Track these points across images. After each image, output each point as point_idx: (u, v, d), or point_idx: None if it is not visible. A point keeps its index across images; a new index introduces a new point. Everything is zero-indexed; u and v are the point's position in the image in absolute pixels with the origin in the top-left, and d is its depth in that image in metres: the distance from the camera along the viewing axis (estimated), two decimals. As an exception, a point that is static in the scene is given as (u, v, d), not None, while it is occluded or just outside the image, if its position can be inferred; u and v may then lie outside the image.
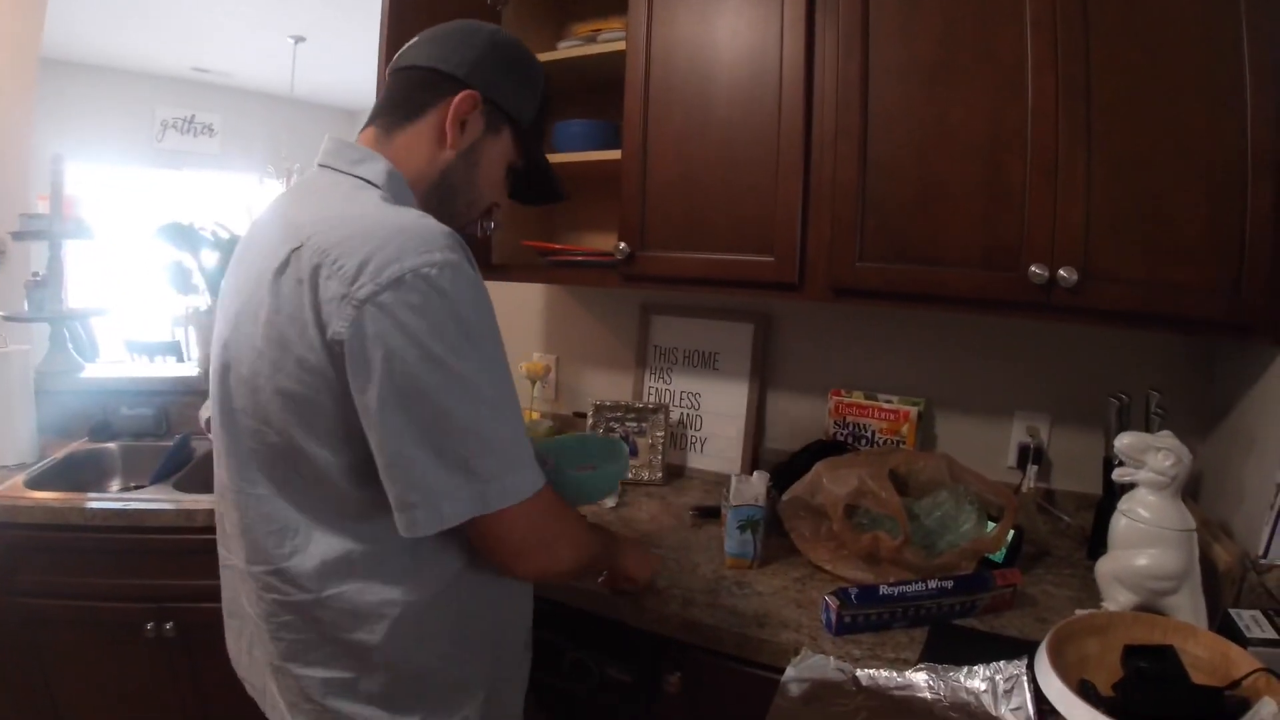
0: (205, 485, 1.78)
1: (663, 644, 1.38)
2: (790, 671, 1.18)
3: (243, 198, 5.23)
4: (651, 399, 2.17)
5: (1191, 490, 1.62)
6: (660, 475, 2.06)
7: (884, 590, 1.32)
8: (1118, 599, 1.29)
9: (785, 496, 1.59)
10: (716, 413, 2.12)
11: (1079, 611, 1.32)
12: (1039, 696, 1.05)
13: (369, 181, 0.99)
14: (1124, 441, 1.29)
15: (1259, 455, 1.39)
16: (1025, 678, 1.09)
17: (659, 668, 1.38)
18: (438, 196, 1.06)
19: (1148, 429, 1.45)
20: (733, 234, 1.63)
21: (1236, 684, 1.01)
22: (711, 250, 1.66)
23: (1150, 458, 1.28)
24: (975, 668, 1.13)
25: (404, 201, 1.00)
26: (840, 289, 1.55)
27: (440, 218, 0.93)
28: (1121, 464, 1.31)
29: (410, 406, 0.84)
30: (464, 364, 0.85)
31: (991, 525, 1.48)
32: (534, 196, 1.24)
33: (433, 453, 0.86)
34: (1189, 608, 1.24)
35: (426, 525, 0.88)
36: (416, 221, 0.89)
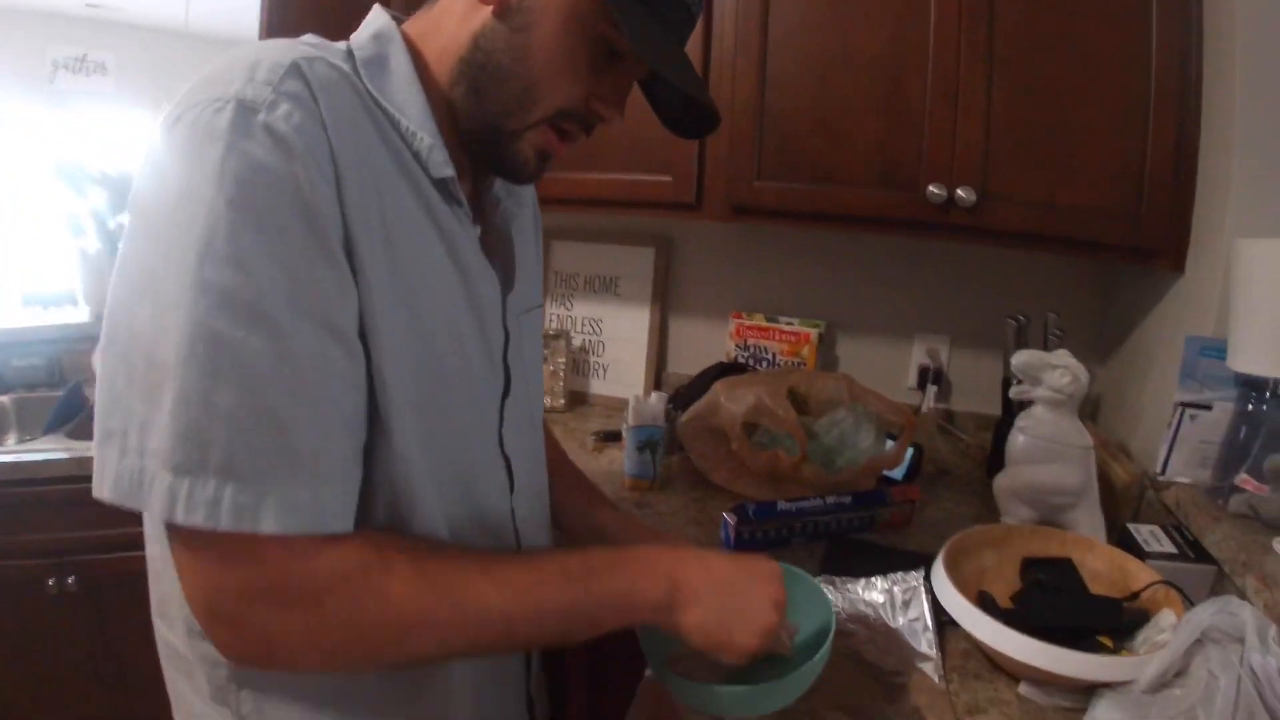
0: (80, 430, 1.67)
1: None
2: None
3: (138, 136, 4.84)
4: (552, 326, 2.06)
5: (1090, 413, 1.61)
6: (563, 402, 1.98)
7: (782, 506, 1.25)
8: (1017, 514, 1.26)
9: (684, 417, 1.50)
10: (618, 338, 2.03)
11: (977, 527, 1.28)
12: (936, 607, 0.99)
13: (348, 50, 0.67)
14: (1021, 359, 1.25)
15: (1157, 378, 1.38)
16: (923, 589, 1.04)
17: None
18: (469, 81, 0.68)
19: (1045, 350, 1.42)
20: (631, 153, 1.55)
21: (1135, 596, 0.98)
22: (609, 170, 1.58)
23: (1047, 375, 1.24)
24: (873, 580, 1.06)
25: (377, 73, 0.66)
26: (739, 207, 1.51)
27: (480, 120, 0.68)
28: (1019, 382, 1.27)
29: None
30: (183, 257, 0.50)
31: (890, 443, 1.44)
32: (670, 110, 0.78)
33: (117, 377, 0.53)
34: (1087, 523, 1.21)
35: (100, 483, 0.54)
36: (262, 46, 0.57)
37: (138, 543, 0.69)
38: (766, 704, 0.74)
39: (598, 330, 2.05)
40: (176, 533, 0.52)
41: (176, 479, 0.49)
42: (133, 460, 0.51)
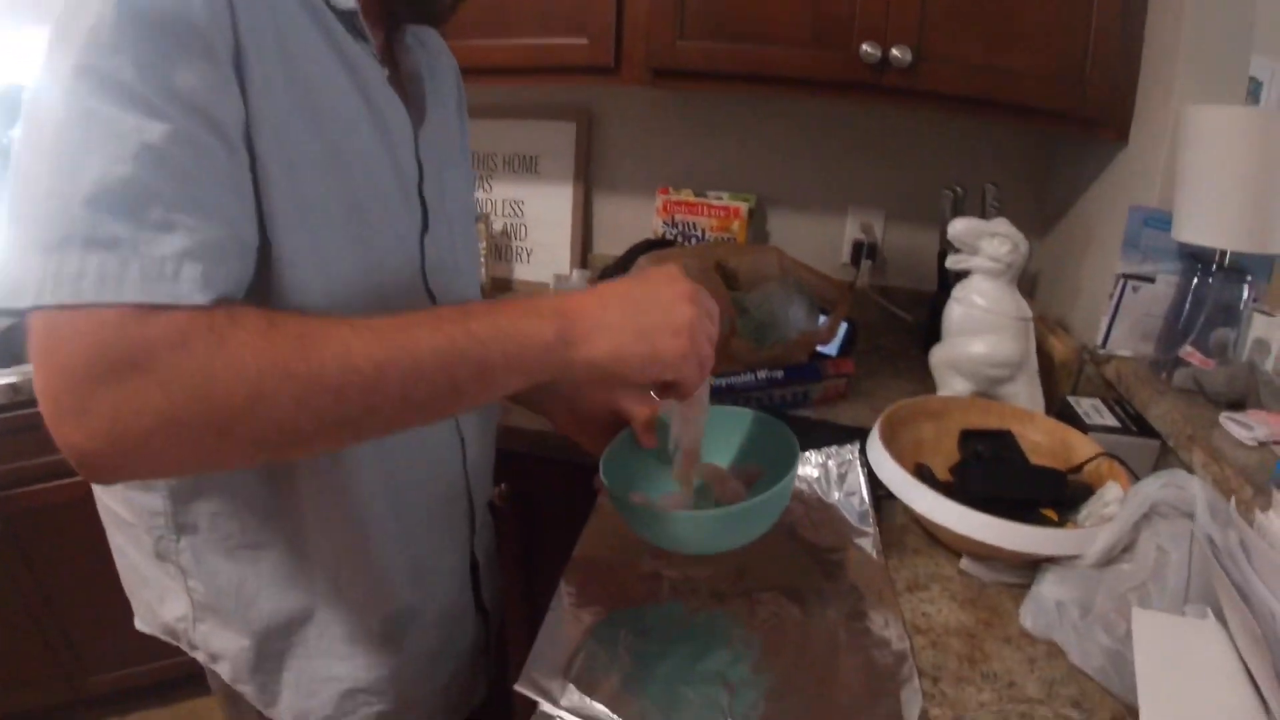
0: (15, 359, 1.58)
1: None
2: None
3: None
4: (470, 209, 1.88)
5: (1028, 289, 1.56)
6: (486, 289, 1.82)
7: (711, 383, 1.16)
8: (954, 386, 1.20)
9: (607, 289, 1.38)
10: (541, 220, 1.88)
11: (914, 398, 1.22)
12: (873, 481, 0.92)
13: None
14: (959, 227, 1.17)
15: (1098, 252, 1.32)
16: (858, 462, 0.97)
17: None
18: None
19: (985, 220, 1.35)
20: (542, 15, 1.40)
21: (1078, 469, 0.93)
22: (519, 35, 1.42)
23: (985, 244, 1.16)
24: (808, 454, 0.99)
25: None
26: (660, 70, 1.37)
27: None
28: (957, 251, 1.19)
29: None
30: (67, 50, 0.48)
31: (823, 319, 1.36)
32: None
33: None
34: (1026, 396, 1.16)
35: None
36: None
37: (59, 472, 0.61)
38: (729, 534, 0.70)
39: (519, 213, 1.89)
40: (34, 327, 0.47)
41: (46, 258, 0.46)
42: (13, 255, 0.47)
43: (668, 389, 0.65)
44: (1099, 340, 1.16)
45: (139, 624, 0.81)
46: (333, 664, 0.76)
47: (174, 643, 0.78)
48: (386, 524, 0.74)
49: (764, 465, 0.81)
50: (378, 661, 0.77)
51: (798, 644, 0.74)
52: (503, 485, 1.22)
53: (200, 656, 0.77)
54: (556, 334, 0.57)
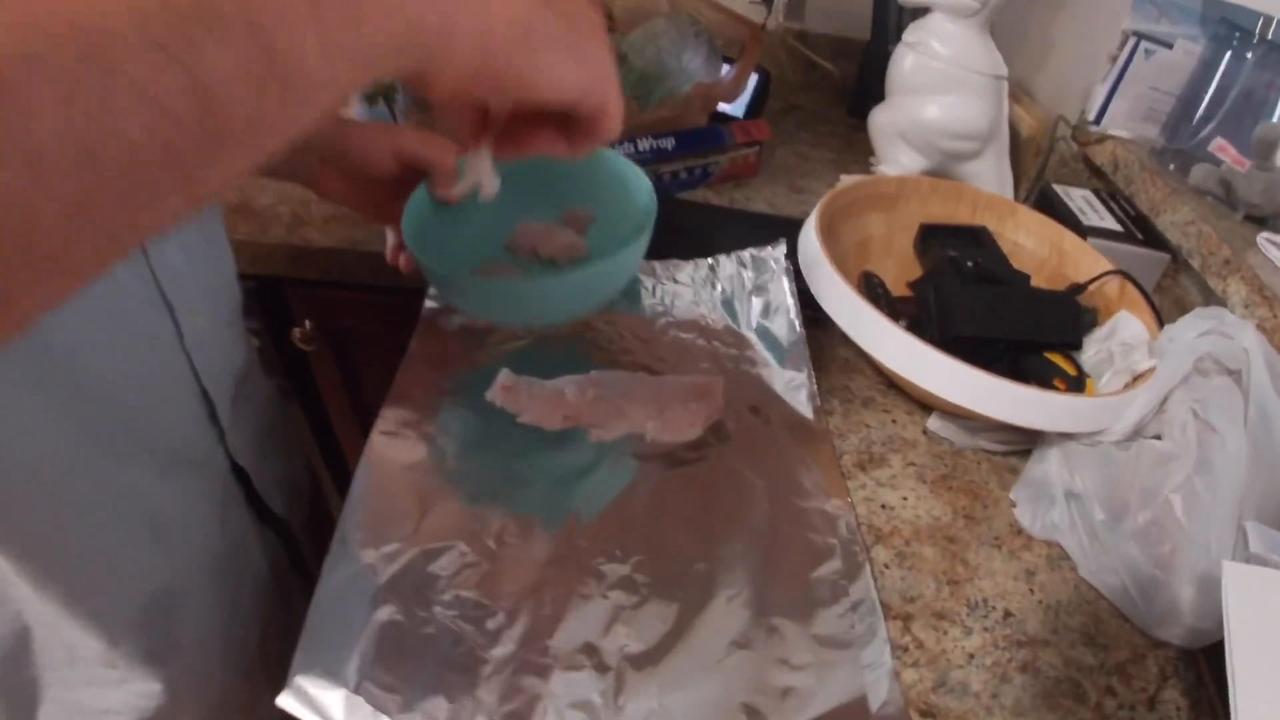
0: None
1: (272, 287, 0.86)
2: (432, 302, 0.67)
3: None
4: None
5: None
6: None
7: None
8: (898, 161, 0.91)
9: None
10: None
11: (847, 177, 0.93)
12: (804, 297, 0.65)
13: None
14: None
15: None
16: (783, 271, 0.68)
17: (281, 320, 0.90)
18: None
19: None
20: None
21: (1080, 288, 0.68)
22: None
23: (957, -28, 0.84)
24: (711, 261, 0.70)
25: None
26: None
27: None
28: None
29: None
30: None
31: (727, 68, 1.01)
32: None
33: None
34: (993, 178, 0.90)
35: None
36: None
37: None
38: (577, 298, 0.56)
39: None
40: None
41: None
42: None
43: (585, 127, 0.41)
44: (1089, 113, 0.89)
45: None
46: (101, 693, 0.49)
47: None
48: (77, 481, 0.43)
49: (593, 206, 0.67)
50: (152, 672, 0.50)
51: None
52: (306, 322, 0.87)
53: None
54: (441, 20, 0.29)
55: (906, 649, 0.47)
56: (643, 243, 0.56)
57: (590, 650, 0.44)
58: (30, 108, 0.18)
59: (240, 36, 0.21)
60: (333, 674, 0.41)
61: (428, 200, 0.60)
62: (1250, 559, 0.48)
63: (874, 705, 0.43)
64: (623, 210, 0.64)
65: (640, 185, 0.62)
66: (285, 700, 0.40)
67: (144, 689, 0.50)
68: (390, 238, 0.65)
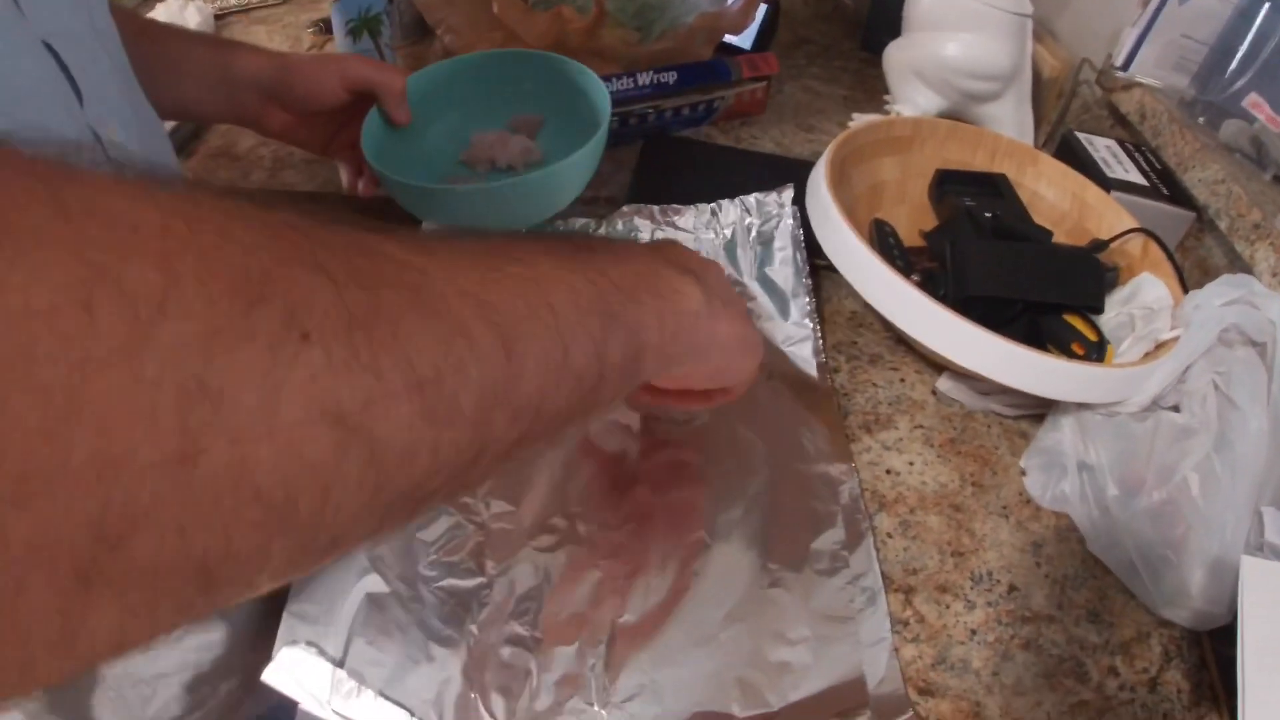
0: None
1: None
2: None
3: None
4: None
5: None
6: None
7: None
8: (915, 101, 0.87)
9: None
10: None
11: (860, 117, 0.88)
12: (809, 244, 0.61)
13: None
14: None
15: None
16: (790, 217, 0.65)
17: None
18: None
19: None
20: None
21: (1102, 245, 0.65)
22: None
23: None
24: (713, 207, 0.66)
25: None
26: None
27: None
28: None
29: None
30: None
31: (733, -6, 0.95)
32: None
33: None
34: (1013, 122, 0.86)
35: None
36: None
37: None
38: (531, 205, 0.61)
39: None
40: None
41: None
42: None
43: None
44: (1117, 58, 0.84)
45: None
46: (154, 656, 0.49)
47: None
48: None
49: (541, 111, 0.72)
50: (211, 624, 0.50)
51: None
52: None
53: None
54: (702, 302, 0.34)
55: (907, 623, 0.45)
56: (601, 135, 0.60)
57: (581, 622, 0.42)
58: (522, 372, 0.22)
59: (624, 334, 0.28)
60: (317, 647, 0.39)
61: (381, 123, 0.63)
62: (1265, 545, 0.47)
63: (871, 683, 0.41)
64: (571, 110, 0.67)
65: (588, 83, 0.66)
66: (271, 674, 0.38)
67: (201, 641, 0.49)
68: (344, 171, 0.66)
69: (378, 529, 0.19)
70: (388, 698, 0.39)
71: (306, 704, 0.38)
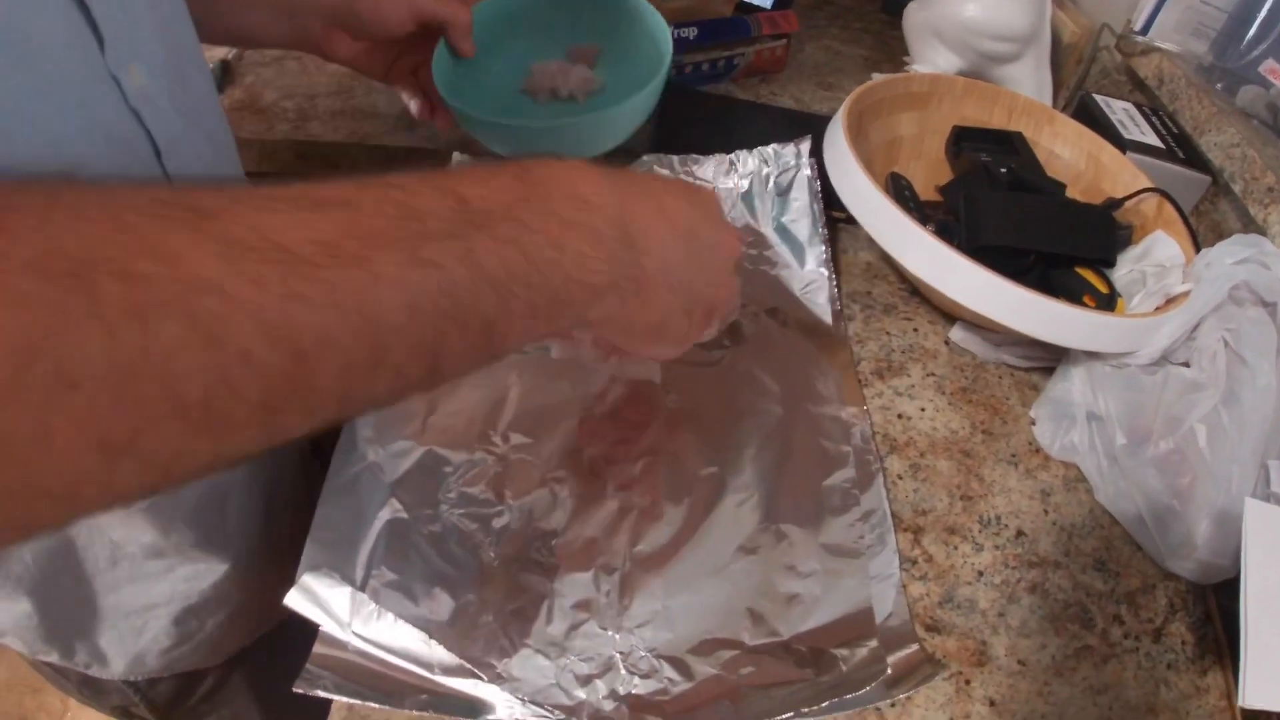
0: None
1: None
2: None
3: None
4: None
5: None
6: None
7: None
8: (934, 61, 0.86)
9: None
10: None
11: (879, 76, 0.88)
12: (828, 197, 0.61)
13: None
14: None
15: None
16: (808, 169, 0.65)
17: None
18: None
19: None
20: None
21: (1116, 204, 0.65)
22: None
23: None
24: (731, 157, 0.66)
25: None
26: None
27: None
28: None
29: None
30: None
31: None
32: None
33: None
34: (1031, 84, 0.85)
35: None
36: None
37: None
38: (601, 137, 0.62)
39: None
40: None
41: None
42: None
43: None
44: (1135, 22, 0.84)
45: None
46: (145, 588, 0.50)
47: None
48: None
49: (598, 41, 0.71)
50: (201, 556, 0.51)
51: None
52: None
53: None
54: (609, 282, 0.31)
55: (915, 562, 0.46)
56: (666, 67, 0.60)
57: (596, 550, 0.42)
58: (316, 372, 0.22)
59: (476, 331, 0.26)
60: (339, 572, 0.40)
61: (449, 55, 0.63)
62: (1270, 497, 0.47)
63: (880, 616, 0.42)
64: (627, 39, 0.68)
65: (643, 11, 0.66)
66: (293, 599, 0.39)
67: (190, 571, 0.50)
68: (410, 99, 0.66)
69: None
70: (407, 620, 0.39)
71: (327, 626, 0.39)
